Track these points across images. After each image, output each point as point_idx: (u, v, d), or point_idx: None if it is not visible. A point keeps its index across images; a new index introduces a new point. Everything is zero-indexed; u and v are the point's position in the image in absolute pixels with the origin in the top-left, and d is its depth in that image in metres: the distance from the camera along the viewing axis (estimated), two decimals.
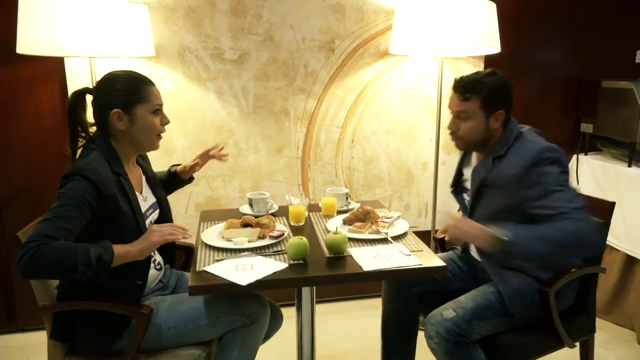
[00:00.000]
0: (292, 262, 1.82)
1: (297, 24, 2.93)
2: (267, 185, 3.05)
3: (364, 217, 2.15)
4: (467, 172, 2.16)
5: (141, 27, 2.47)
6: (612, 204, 2.11)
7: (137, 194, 1.88)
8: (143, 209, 1.89)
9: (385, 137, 3.10)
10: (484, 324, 1.92)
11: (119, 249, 1.64)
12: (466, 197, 2.18)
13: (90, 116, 1.85)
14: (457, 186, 2.26)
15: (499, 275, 1.97)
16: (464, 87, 1.95)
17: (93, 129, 1.86)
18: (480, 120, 1.95)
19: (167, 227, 1.75)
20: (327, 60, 3.00)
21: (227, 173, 2.98)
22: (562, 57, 3.36)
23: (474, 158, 2.16)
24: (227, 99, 2.92)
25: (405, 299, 2.19)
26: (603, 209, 2.12)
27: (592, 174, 3.27)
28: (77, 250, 1.54)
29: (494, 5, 2.79)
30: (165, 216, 2.06)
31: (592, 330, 2.14)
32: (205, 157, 2.29)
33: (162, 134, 1.88)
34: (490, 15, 2.76)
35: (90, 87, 1.88)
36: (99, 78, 1.84)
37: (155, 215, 2.02)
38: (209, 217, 2.31)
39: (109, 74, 1.83)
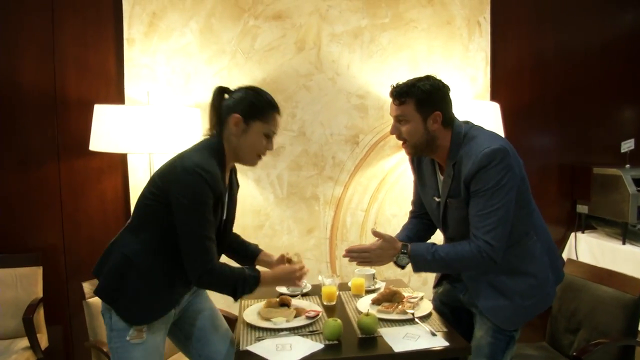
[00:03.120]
0: (327, 342, 1.73)
1: (327, 121, 2.94)
2: None
3: (391, 297, 2.05)
4: (429, 185, 1.95)
5: (194, 127, 2.50)
6: None
7: None
8: None
9: (404, 219, 2.94)
10: None
11: (263, 278, 1.71)
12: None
13: None
14: (420, 209, 2.09)
15: (484, 293, 1.84)
16: (399, 92, 1.76)
17: None
18: (417, 122, 1.75)
19: (295, 276, 1.81)
20: (352, 152, 2.98)
21: None
22: (556, 147, 3.31)
23: (428, 171, 1.94)
24: (265, 186, 2.90)
25: None
26: (635, 286, 2.04)
27: (589, 250, 3.15)
28: (236, 281, 1.64)
29: (497, 105, 2.80)
30: (222, 236, 1.79)
31: None
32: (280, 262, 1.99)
33: (262, 156, 1.74)
34: (495, 114, 2.76)
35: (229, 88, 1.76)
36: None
37: None
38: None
39: (251, 86, 1.73)
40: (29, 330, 2.41)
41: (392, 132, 1.83)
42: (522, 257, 1.80)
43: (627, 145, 3.07)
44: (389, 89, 1.81)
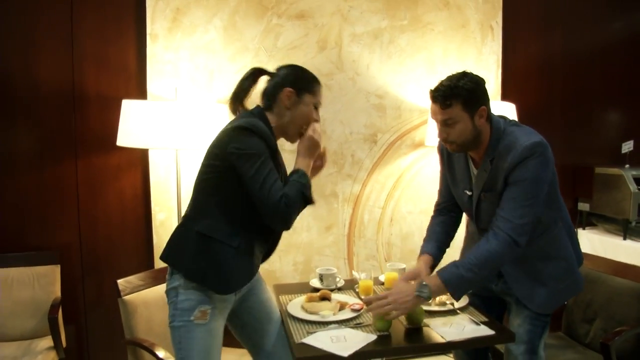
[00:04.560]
0: (378, 333, 1.76)
1: (346, 120, 2.98)
2: (317, 260, 2.99)
3: None
4: (461, 179, 1.96)
5: (222, 123, 2.49)
6: None
7: None
8: None
9: (419, 216, 3.08)
10: (538, 347, 1.88)
11: (300, 165, 1.75)
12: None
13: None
14: (448, 199, 2.10)
15: (520, 281, 1.89)
16: (443, 96, 1.72)
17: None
18: (466, 121, 1.73)
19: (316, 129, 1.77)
20: (371, 150, 3.03)
21: (283, 249, 2.93)
22: (560, 147, 3.40)
23: (460, 164, 1.95)
24: None
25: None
26: None
27: (591, 247, 3.27)
28: (298, 188, 1.67)
29: (513, 106, 2.91)
30: None
31: None
32: None
33: (303, 132, 1.77)
34: (510, 115, 2.85)
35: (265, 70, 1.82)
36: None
37: None
38: (283, 290, 2.23)
39: (293, 64, 1.82)
40: (54, 330, 2.35)
41: (440, 136, 1.81)
42: (552, 243, 1.88)
43: (627, 147, 3.21)
44: (429, 93, 1.78)
